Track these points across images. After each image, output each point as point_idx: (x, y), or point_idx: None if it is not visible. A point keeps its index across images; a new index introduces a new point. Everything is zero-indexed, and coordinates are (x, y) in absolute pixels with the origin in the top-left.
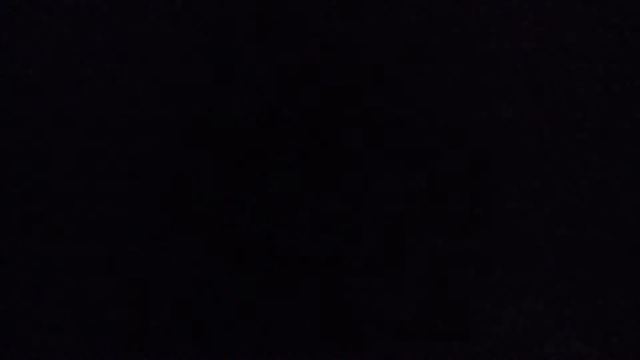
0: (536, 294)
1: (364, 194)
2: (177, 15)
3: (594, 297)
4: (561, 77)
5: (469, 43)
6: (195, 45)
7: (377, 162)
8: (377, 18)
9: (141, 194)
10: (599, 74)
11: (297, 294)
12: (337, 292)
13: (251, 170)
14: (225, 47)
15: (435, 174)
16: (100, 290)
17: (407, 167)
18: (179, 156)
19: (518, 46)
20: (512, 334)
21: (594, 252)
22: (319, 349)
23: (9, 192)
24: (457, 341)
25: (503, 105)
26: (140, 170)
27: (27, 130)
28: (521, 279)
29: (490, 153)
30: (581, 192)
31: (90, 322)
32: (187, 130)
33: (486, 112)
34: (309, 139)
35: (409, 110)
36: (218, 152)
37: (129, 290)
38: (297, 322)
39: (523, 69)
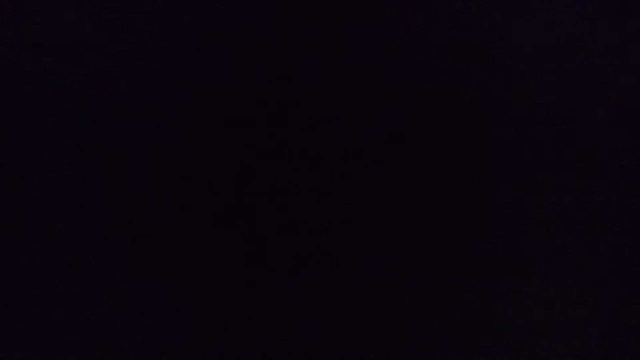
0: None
1: (367, 195)
2: (179, 15)
3: (596, 299)
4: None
5: (472, 44)
6: (195, 45)
7: (381, 163)
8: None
9: (139, 194)
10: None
11: (296, 296)
12: (337, 294)
13: (250, 170)
14: (225, 46)
15: (438, 176)
16: (98, 291)
17: (410, 168)
18: (183, 156)
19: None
20: (514, 337)
21: (596, 253)
22: (319, 352)
23: (9, 192)
24: (458, 344)
25: (507, 105)
26: (139, 170)
27: (27, 129)
28: (524, 283)
29: (492, 152)
30: (585, 193)
31: (89, 325)
32: (189, 130)
33: (490, 111)
34: (313, 139)
35: (409, 109)
36: (219, 153)
37: (127, 290)
38: (299, 325)
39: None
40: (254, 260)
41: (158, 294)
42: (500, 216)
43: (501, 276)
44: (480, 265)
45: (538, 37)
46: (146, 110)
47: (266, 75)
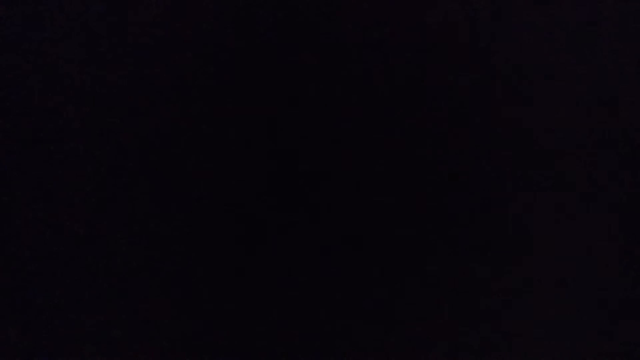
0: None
1: (369, 194)
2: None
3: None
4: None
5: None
6: (195, 45)
7: (384, 165)
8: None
9: (139, 194)
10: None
11: (296, 296)
12: (337, 296)
13: (251, 171)
14: (227, 46)
15: (440, 176)
16: (99, 291)
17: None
18: (183, 156)
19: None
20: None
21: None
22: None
23: (10, 193)
24: (460, 345)
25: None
26: (139, 170)
27: (28, 130)
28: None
29: (492, 152)
30: (588, 193)
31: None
32: (189, 130)
33: (489, 111)
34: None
35: (409, 109)
36: (219, 152)
37: (127, 291)
38: (300, 327)
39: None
40: (253, 259)
41: (157, 293)
42: (500, 215)
43: (501, 275)
44: (481, 265)
45: (537, 35)
46: (145, 110)
47: (266, 76)
